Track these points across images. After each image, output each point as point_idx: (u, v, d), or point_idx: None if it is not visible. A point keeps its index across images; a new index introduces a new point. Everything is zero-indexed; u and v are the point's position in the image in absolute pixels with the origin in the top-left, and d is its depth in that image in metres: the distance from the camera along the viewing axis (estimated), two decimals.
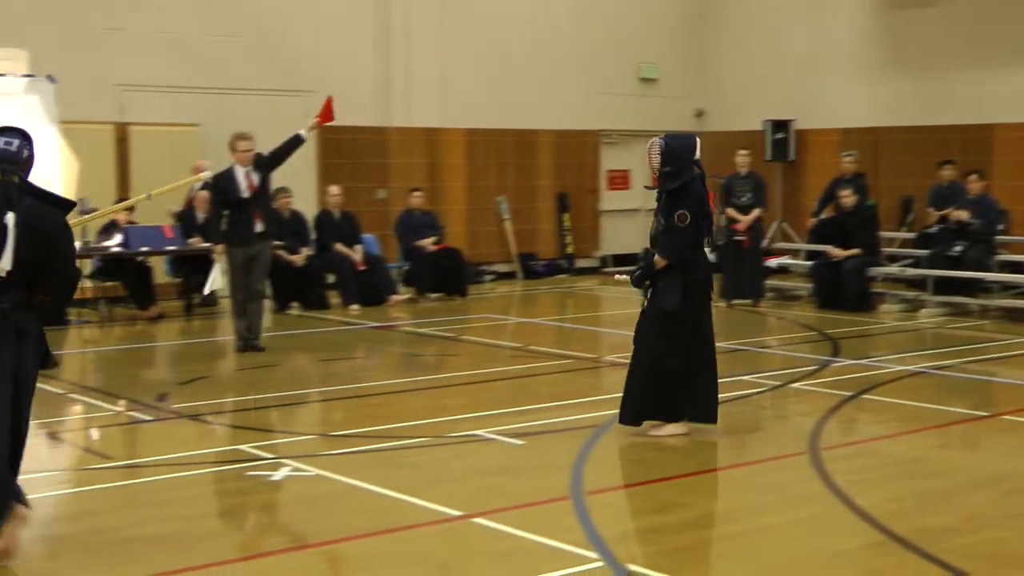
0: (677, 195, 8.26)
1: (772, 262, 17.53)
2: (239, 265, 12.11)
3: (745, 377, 10.59)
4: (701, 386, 8.32)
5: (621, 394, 8.40)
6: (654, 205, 8.52)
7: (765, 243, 17.44)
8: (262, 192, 12.26)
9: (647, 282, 8.31)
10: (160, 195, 9.46)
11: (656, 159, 8.29)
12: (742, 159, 16.17)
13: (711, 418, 8.34)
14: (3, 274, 5.82)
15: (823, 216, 16.92)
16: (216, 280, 12.08)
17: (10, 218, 5.81)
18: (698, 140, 8.50)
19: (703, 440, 8.43)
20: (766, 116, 20.24)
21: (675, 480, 7.35)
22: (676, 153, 8.27)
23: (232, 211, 12.13)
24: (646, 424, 8.32)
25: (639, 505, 6.83)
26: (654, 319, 8.25)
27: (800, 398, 9.94)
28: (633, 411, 8.27)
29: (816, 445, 8.05)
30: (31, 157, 6.01)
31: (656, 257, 8.23)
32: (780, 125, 20.17)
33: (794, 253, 18.36)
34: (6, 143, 5.95)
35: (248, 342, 12.24)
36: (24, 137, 6.06)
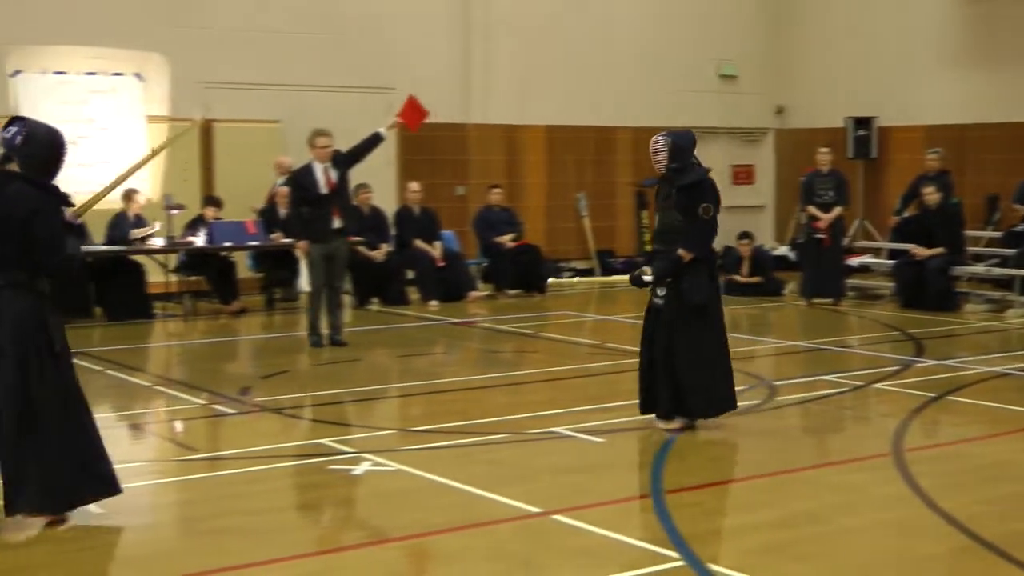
0: (693, 189, 8.28)
1: (853, 261, 17.33)
2: (318, 261, 12.21)
3: (826, 377, 10.50)
4: (719, 376, 8.37)
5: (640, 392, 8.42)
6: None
7: (846, 241, 17.25)
8: (340, 188, 12.35)
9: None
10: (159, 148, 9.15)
11: (663, 156, 8.28)
12: (823, 157, 15.98)
13: (732, 405, 8.43)
14: None
15: (906, 214, 16.71)
16: (310, 275, 12.21)
17: None
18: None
19: (785, 440, 8.38)
20: (847, 113, 20.00)
21: (756, 479, 7.30)
22: (683, 149, 8.34)
23: (311, 207, 12.23)
24: (650, 417, 8.42)
25: (720, 504, 6.78)
26: (683, 315, 8.22)
27: (882, 398, 9.82)
28: (678, 404, 8.30)
29: (900, 446, 7.95)
30: (24, 143, 6.21)
31: (682, 251, 8.18)
32: (862, 122, 19.92)
33: (876, 252, 18.13)
34: (6, 132, 6.26)
35: (330, 337, 12.34)
36: (23, 124, 6.28)
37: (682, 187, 8.27)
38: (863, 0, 20.60)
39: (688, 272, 8.22)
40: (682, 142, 8.35)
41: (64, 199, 6.35)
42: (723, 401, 8.41)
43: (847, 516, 6.43)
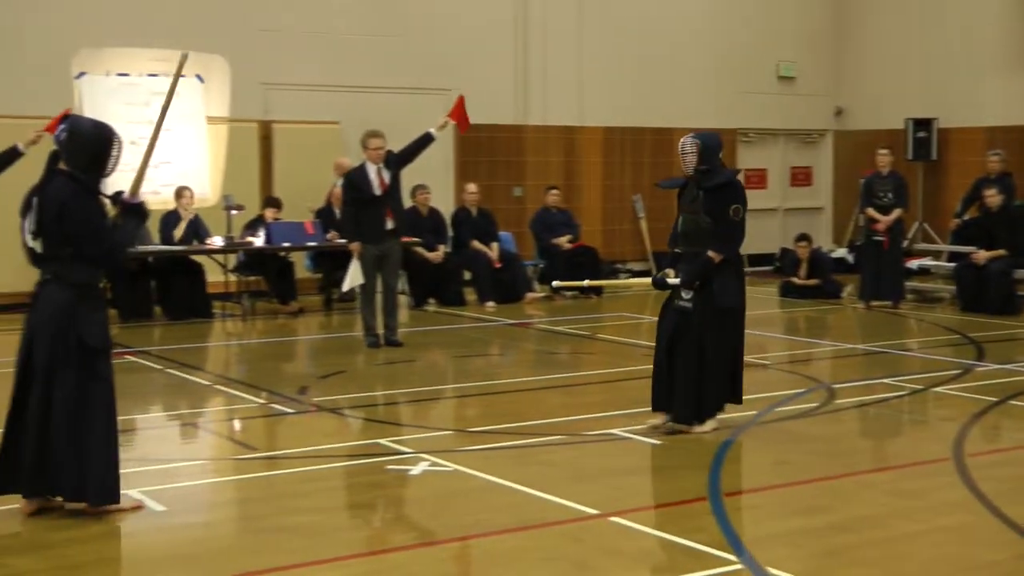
0: (723, 191, 8.23)
1: (913, 263, 17.16)
2: (371, 262, 12.27)
3: (885, 380, 10.40)
4: (733, 381, 8.43)
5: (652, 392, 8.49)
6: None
7: (906, 244, 17.07)
8: (393, 189, 12.38)
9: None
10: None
11: (693, 158, 8.24)
12: (883, 158, 15.80)
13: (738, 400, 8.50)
14: (39, 250, 6.39)
15: (966, 217, 16.53)
16: (355, 277, 12.22)
17: (36, 200, 6.34)
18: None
19: (843, 443, 8.32)
20: (907, 114, 19.84)
21: (815, 483, 7.23)
22: (712, 150, 8.30)
23: (364, 208, 12.28)
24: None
25: (779, 508, 6.73)
26: (713, 318, 8.19)
27: (942, 403, 9.71)
28: (698, 411, 8.27)
29: (961, 451, 7.85)
30: (69, 139, 6.39)
31: (712, 253, 8.17)
32: (922, 123, 19.74)
33: (936, 254, 17.95)
34: (57, 130, 6.45)
35: (385, 337, 12.40)
36: (69, 121, 6.50)
37: (710, 188, 8.23)
38: (923, 1, 20.40)
39: (718, 275, 8.20)
40: (711, 143, 8.32)
41: (96, 193, 6.43)
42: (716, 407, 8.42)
43: (908, 521, 6.37)
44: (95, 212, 6.41)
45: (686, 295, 8.25)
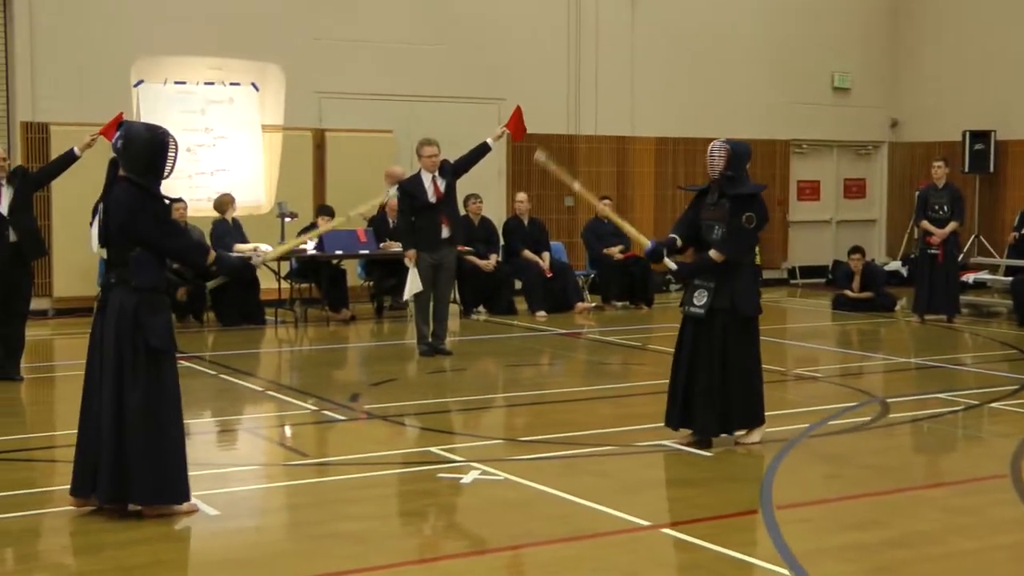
0: (747, 201, 8.22)
1: (968, 277, 16.99)
2: (426, 270, 12.29)
3: (939, 395, 10.30)
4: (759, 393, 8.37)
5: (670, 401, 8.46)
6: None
7: (961, 257, 16.90)
8: (448, 198, 12.41)
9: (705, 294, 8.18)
10: (356, 215, 9.63)
11: (721, 162, 8.19)
12: (939, 170, 15.63)
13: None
14: (105, 256, 6.54)
15: None
16: (414, 285, 12.23)
17: (101, 207, 6.54)
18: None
19: (897, 458, 8.25)
20: (964, 126, 19.65)
21: (868, 498, 7.16)
22: (740, 158, 8.27)
23: (419, 216, 12.31)
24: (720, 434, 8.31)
25: (832, 522, 6.68)
26: (734, 326, 8.14)
27: (998, 418, 9.60)
28: (722, 421, 8.19)
29: (1018, 468, 7.75)
30: (125, 146, 6.50)
31: (713, 253, 8.16)
32: (979, 136, 19.54)
33: (992, 268, 17.76)
34: (115, 139, 6.58)
35: (433, 346, 12.43)
36: (124, 128, 6.63)
37: (736, 196, 8.20)
38: (980, 11, 20.22)
39: (739, 282, 8.16)
40: (740, 151, 8.29)
41: (161, 199, 6.58)
42: (752, 419, 8.33)
43: (963, 538, 6.30)
44: (160, 214, 6.54)
45: (698, 301, 8.20)
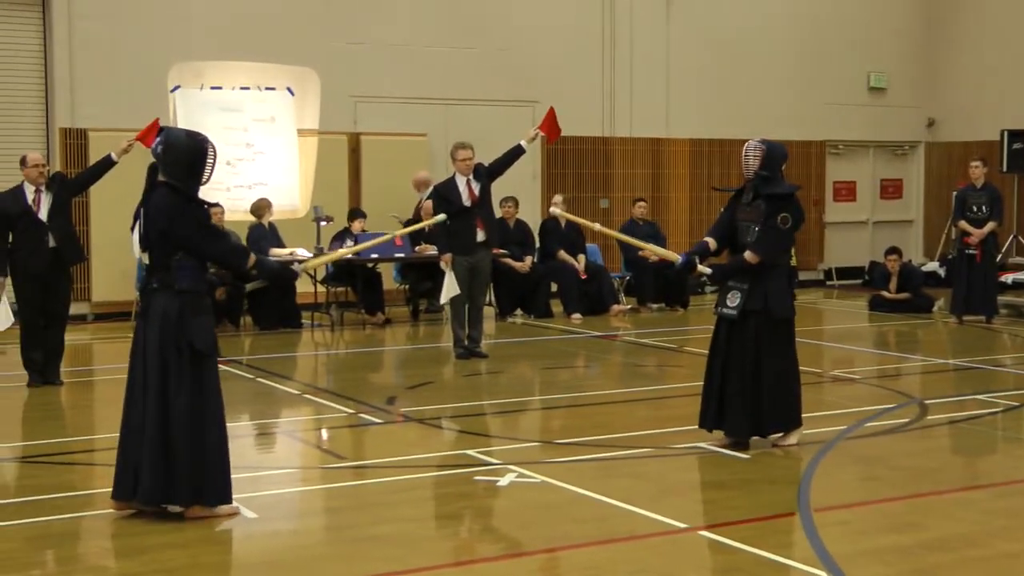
0: (782, 201, 8.21)
1: (1007, 277, 16.87)
2: (462, 273, 12.31)
3: (978, 396, 10.24)
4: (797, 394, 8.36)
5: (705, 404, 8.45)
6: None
7: (1000, 258, 16.77)
8: (483, 201, 12.42)
9: (738, 293, 8.18)
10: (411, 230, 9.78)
11: (756, 162, 8.19)
12: (976, 170, 15.49)
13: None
14: (147, 260, 6.65)
15: None
16: (450, 288, 12.25)
17: (142, 212, 6.63)
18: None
19: (936, 460, 8.21)
20: (1002, 125, 19.49)
21: (908, 500, 7.13)
22: (775, 159, 8.28)
23: (454, 220, 12.32)
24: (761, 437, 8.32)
25: (870, 524, 6.65)
26: (768, 328, 8.14)
27: None
28: (754, 423, 8.19)
29: None
30: (165, 152, 6.58)
31: (748, 255, 8.14)
32: (1018, 135, 19.39)
33: None
34: (155, 145, 6.66)
35: (469, 349, 12.45)
36: (164, 134, 6.72)
37: (771, 196, 8.20)
38: (1017, 10, 20.07)
39: (773, 284, 8.15)
40: (776, 152, 8.30)
41: (201, 203, 6.66)
42: (789, 422, 8.32)
43: (1006, 541, 6.25)
44: (200, 218, 6.61)
45: (731, 303, 8.20)
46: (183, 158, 6.57)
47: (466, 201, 12.30)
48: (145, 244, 6.61)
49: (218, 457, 6.58)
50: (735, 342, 8.19)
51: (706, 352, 8.49)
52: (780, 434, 8.29)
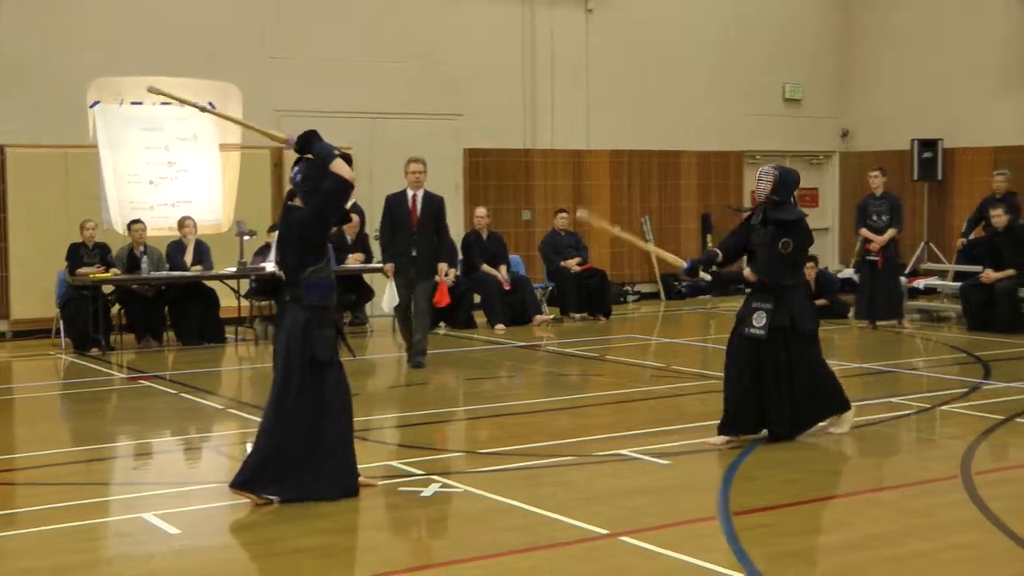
0: (789, 226, 8.65)
1: (919, 283, 17.25)
2: (404, 283, 12.53)
3: (892, 399, 10.47)
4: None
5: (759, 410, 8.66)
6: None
7: (911, 264, 17.15)
8: (422, 221, 12.66)
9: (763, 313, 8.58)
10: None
11: (768, 186, 8.64)
12: (875, 180, 16.05)
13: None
14: (281, 276, 7.48)
15: (972, 237, 16.62)
16: (392, 298, 12.45)
17: (276, 234, 7.42)
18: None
19: (852, 462, 8.40)
20: (913, 135, 19.93)
21: (825, 502, 7.31)
22: (787, 186, 8.73)
23: (396, 233, 12.55)
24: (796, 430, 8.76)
25: (788, 526, 6.79)
26: (797, 343, 8.65)
27: (949, 421, 9.77)
28: (797, 420, 8.69)
29: (968, 469, 7.91)
30: (302, 180, 7.23)
31: (747, 272, 8.66)
32: (928, 144, 19.83)
33: (942, 274, 18.02)
34: (292, 172, 7.34)
35: (408, 357, 12.62)
36: (304, 164, 7.25)
37: (781, 221, 8.61)
38: (928, 23, 20.52)
39: (796, 301, 8.64)
40: (788, 179, 8.75)
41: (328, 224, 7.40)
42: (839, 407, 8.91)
43: (919, 540, 6.42)
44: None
45: (758, 323, 8.58)
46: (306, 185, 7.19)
47: (409, 216, 12.49)
48: (279, 262, 7.43)
49: (344, 455, 7.30)
50: (765, 353, 8.60)
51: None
52: (828, 421, 8.87)
